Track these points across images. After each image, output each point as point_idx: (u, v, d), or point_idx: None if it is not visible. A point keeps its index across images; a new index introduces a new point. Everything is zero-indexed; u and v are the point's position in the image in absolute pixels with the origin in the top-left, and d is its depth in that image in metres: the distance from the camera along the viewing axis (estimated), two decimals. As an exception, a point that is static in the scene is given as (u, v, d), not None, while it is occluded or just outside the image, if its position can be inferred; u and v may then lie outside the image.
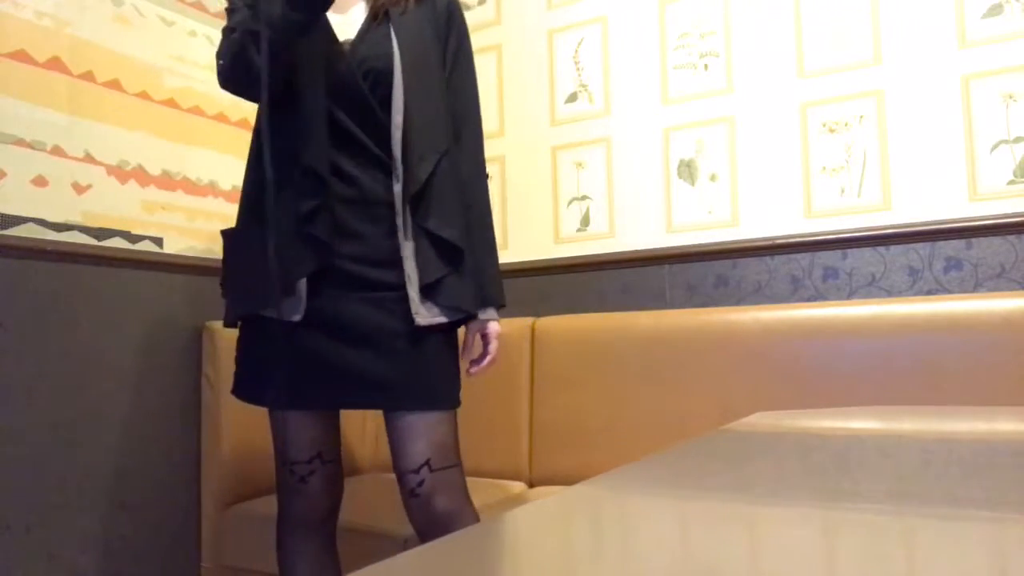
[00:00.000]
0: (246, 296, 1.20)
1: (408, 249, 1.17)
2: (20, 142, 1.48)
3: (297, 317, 1.15)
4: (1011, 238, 1.54)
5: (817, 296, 1.72)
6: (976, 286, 1.57)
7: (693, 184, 1.88)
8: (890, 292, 1.64)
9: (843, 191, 1.70)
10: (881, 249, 1.66)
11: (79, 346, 1.55)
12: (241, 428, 1.76)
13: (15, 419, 1.44)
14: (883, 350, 1.47)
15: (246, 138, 1.97)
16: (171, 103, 1.77)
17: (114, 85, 1.65)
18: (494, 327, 1.28)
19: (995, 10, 1.56)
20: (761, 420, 0.98)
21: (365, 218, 1.17)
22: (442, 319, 1.17)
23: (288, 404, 1.19)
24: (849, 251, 1.69)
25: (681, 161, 1.90)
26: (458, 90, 1.28)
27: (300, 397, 1.18)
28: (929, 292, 1.60)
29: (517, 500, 1.69)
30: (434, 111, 1.21)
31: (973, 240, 1.57)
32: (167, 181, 1.75)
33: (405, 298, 1.16)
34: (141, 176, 1.70)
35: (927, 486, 0.50)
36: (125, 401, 1.63)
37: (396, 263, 1.17)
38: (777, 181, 1.78)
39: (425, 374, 1.18)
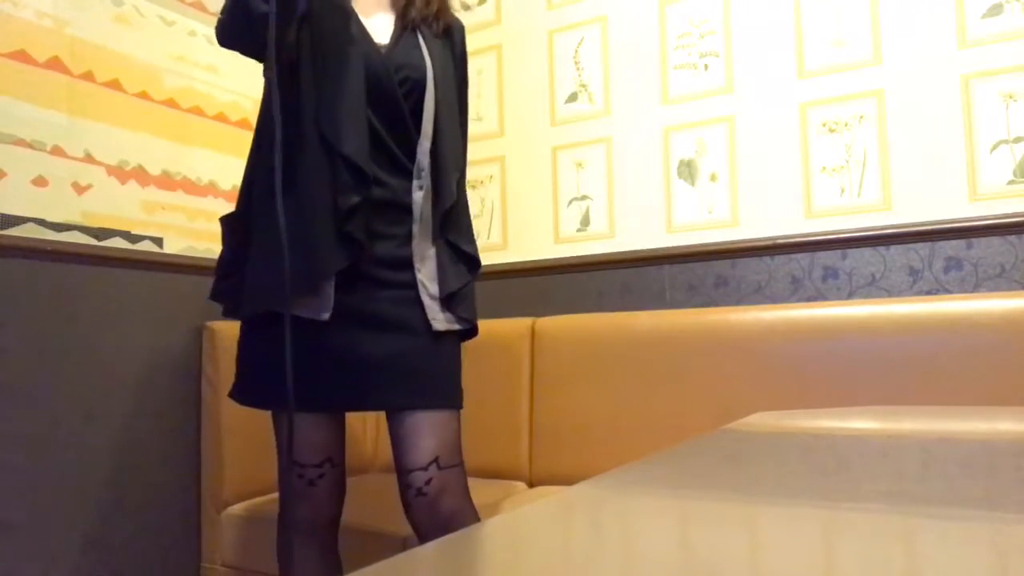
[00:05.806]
0: (261, 292, 1.13)
1: (428, 256, 1.22)
2: (20, 142, 1.48)
3: (326, 315, 1.13)
4: (1011, 238, 1.54)
5: (817, 296, 1.72)
6: (976, 286, 1.57)
7: (693, 184, 1.88)
8: (890, 292, 1.64)
9: (843, 191, 1.70)
10: (881, 249, 1.66)
11: (79, 346, 1.55)
12: (241, 428, 1.76)
13: (15, 419, 1.44)
14: (883, 350, 1.47)
15: (247, 138, 1.97)
16: (171, 103, 1.77)
17: (114, 85, 1.65)
18: None
19: (995, 10, 1.56)
20: (761, 420, 0.98)
21: (390, 221, 1.19)
22: (456, 327, 1.23)
23: (302, 405, 1.14)
24: (849, 251, 1.69)
25: (681, 161, 1.90)
26: (462, 126, 1.33)
27: (316, 398, 1.15)
28: (929, 292, 1.60)
29: (517, 500, 1.69)
30: (454, 134, 1.27)
31: (973, 240, 1.57)
32: (167, 181, 1.75)
33: (420, 299, 1.20)
34: (141, 176, 1.70)
35: (927, 486, 0.50)
36: (125, 401, 1.63)
37: (411, 267, 1.21)
38: (777, 181, 1.78)
39: (439, 373, 1.21)
